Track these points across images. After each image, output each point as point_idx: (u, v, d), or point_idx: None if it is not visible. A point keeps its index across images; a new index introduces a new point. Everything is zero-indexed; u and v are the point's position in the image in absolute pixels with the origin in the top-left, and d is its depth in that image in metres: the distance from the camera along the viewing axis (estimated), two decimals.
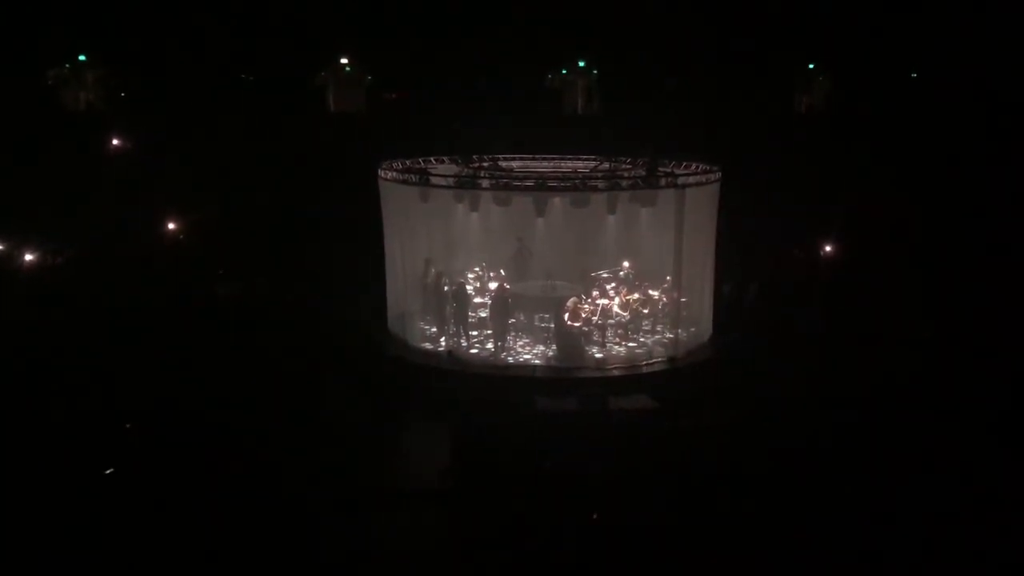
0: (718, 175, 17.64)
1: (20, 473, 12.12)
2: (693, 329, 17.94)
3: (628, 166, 18.96)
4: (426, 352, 17.54)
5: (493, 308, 17.20)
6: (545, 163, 19.82)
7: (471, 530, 11.70)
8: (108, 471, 12.13)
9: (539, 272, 18.22)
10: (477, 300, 18.27)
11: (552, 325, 17.24)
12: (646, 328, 18.06)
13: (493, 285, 18.04)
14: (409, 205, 17.60)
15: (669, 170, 17.71)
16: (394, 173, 17.73)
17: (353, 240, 23.06)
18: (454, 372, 16.48)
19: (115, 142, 31.79)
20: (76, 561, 10.44)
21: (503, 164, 19.25)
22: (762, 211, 26.52)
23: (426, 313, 18.19)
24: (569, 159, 20.08)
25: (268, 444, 13.43)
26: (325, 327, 19.30)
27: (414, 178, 17.38)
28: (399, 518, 12.07)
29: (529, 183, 16.89)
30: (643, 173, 17.45)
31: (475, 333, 17.83)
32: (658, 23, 36.22)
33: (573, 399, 14.76)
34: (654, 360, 16.90)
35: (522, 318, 17.75)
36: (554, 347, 17.02)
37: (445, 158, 19.31)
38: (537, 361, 16.93)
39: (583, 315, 16.96)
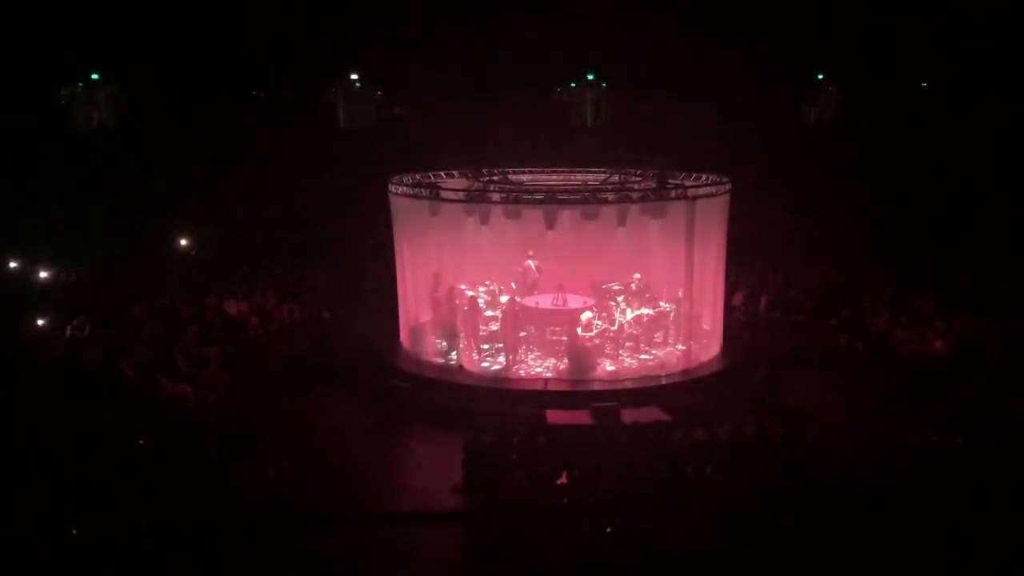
0: (728, 186, 17.61)
1: (29, 487, 12.14)
2: (704, 341, 17.87)
3: (638, 178, 18.96)
4: (437, 366, 17.52)
5: (504, 321, 17.18)
6: (555, 176, 19.83)
7: (483, 547, 11.65)
8: (116, 488, 12.12)
9: (550, 285, 18.21)
10: (488, 313, 18.26)
11: (564, 338, 17.20)
12: (657, 340, 17.99)
13: (504, 298, 18.03)
14: (419, 219, 17.64)
15: (679, 181, 17.69)
16: (404, 187, 17.77)
17: (364, 254, 23.17)
18: (464, 386, 16.44)
19: (126, 159, 32.03)
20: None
21: (513, 177, 19.28)
22: (772, 222, 26.53)
23: (437, 326, 18.18)
24: (579, 171, 20.09)
25: (276, 459, 13.40)
26: (335, 341, 19.30)
27: (424, 192, 17.42)
28: (409, 536, 12.02)
29: (539, 196, 16.91)
30: (653, 185, 17.45)
31: (486, 346, 17.81)
32: (666, 35, 36.32)
33: (584, 412, 14.72)
34: (665, 372, 16.84)
35: (533, 331, 17.71)
36: (566, 360, 16.97)
37: (455, 172, 19.36)
38: (549, 374, 16.89)
39: (595, 328, 16.92)
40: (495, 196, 17.06)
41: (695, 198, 16.67)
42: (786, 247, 25.41)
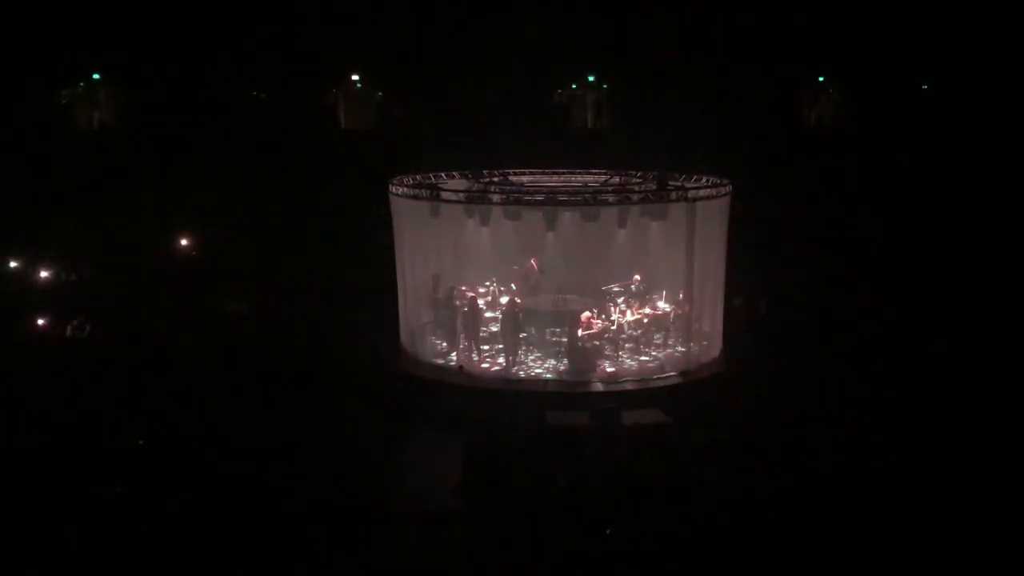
0: (728, 188, 17.61)
1: (28, 487, 12.15)
2: (705, 342, 17.87)
3: (638, 180, 18.97)
4: (437, 367, 17.51)
5: (504, 322, 17.18)
6: (555, 177, 19.86)
7: (482, 547, 11.64)
8: (117, 489, 12.11)
9: (550, 287, 18.22)
10: (488, 314, 18.27)
11: (564, 339, 17.21)
12: (657, 342, 18.00)
13: (504, 299, 18.04)
14: (420, 220, 17.64)
15: (680, 184, 17.70)
16: (405, 188, 17.78)
17: (364, 255, 23.16)
18: (465, 387, 16.45)
19: (127, 159, 32.04)
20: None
21: (513, 179, 19.30)
22: (772, 224, 26.52)
23: (437, 328, 18.19)
24: (579, 173, 20.10)
25: (276, 462, 13.39)
26: (335, 343, 19.31)
27: (425, 193, 17.43)
28: (409, 538, 12.01)
29: (539, 198, 16.91)
30: (653, 187, 17.46)
31: (486, 348, 17.81)
32: (667, 36, 36.33)
33: (585, 413, 14.71)
34: (666, 374, 16.84)
35: (533, 332, 17.72)
36: (566, 361, 16.97)
37: (456, 173, 19.37)
38: (549, 375, 16.89)
39: (596, 329, 16.92)
40: (495, 197, 17.06)
41: (695, 200, 16.68)
42: (786, 249, 25.39)
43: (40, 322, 19.19)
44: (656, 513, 11.62)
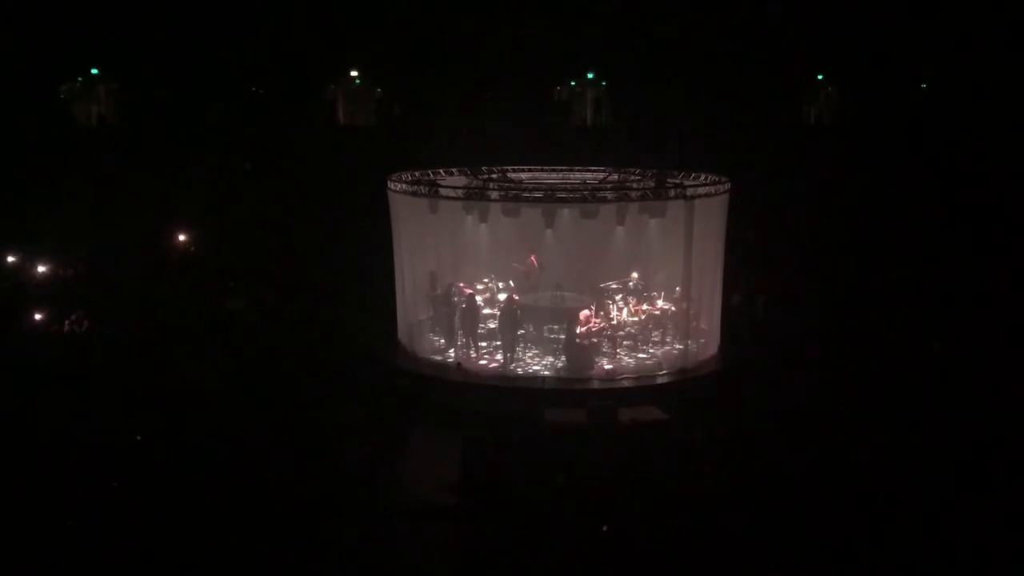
0: (727, 186, 17.61)
1: (27, 484, 12.14)
2: (703, 340, 17.87)
3: (637, 177, 18.97)
4: (434, 363, 17.51)
5: (502, 319, 17.18)
6: (554, 174, 19.84)
7: (479, 545, 11.64)
8: (114, 484, 12.11)
9: (548, 284, 18.22)
10: (486, 311, 18.26)
11: (563, 336, 17.21)
12: (655, 339, 18.00)
13: (502, 296, 18.04)
14: (418, 217, 17.63)
15: (678, 181, 17.70)
16: (403, 185, 17.77)
17: (363, 252, 23.15)
18: (463, 384, 16.45)
19: (126, 155, 32.00)
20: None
21: (512, 176, 19.28)
22: (771, 222, 26.52)
23: (435, 324, 18.19)
24: (578, 170, 20.09)
25: (274, 457, 13.39)
26: (333, 339, 19.29)
27: (423, 190, 17.42)
28: (406, 534, 12.02)
29: (538, 194, 16.90)
30: (652, 184, 17.46)
31: (484, 344, 17.81)
32: (667, 34, 36.32)
33: (582, 411, 14.72)
34: (663, 371, 16.85)
35: (531, 329, 17.71)
36: (564, 358, 16.97)
37: (454, 170, 19.35)
38: (546, 372, 16.88)
39: (594, 327, 16.92)
40: (494, 194, 17.05)
41: (694, 198, 16.67)
42: (785, 247, 25.40)
43: (38, 317, 19.17)
44: (653, 510, 11.62)
